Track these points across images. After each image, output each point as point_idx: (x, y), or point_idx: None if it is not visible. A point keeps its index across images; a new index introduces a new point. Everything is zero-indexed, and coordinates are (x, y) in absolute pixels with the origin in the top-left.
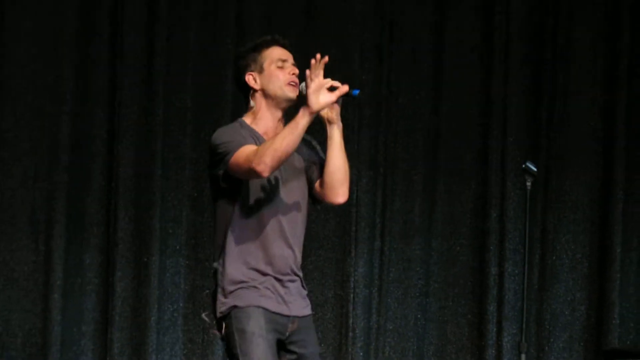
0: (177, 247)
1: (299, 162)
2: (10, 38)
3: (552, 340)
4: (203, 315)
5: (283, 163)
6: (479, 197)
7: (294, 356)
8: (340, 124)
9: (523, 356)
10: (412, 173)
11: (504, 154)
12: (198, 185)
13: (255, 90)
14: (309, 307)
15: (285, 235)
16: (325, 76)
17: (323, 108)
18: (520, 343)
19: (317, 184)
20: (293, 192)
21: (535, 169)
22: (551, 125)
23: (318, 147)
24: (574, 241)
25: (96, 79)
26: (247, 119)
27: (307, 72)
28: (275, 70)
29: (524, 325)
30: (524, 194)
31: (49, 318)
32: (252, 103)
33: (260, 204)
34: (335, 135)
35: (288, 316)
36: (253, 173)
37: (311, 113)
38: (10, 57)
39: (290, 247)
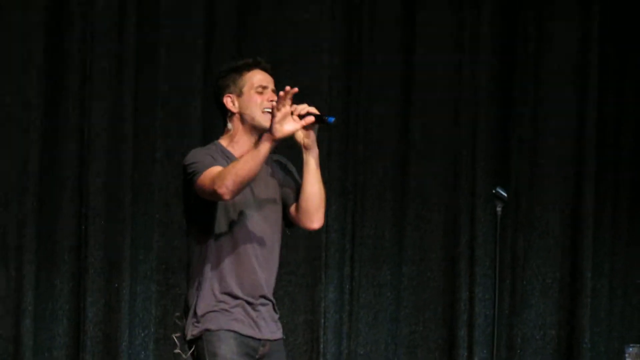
0: (148, 273)
1: (273, 186)
2: None
3: None
4: (173, 335)
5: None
6: (449, 222)
7: None
8: (317, 150)
9: None
10: (382, 199)
11: (474, 179)
12: (168, 212)
13: (232, 113)
14: (280, 331)
15: (259, 260)
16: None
17: (286, 136)
18: None
19: (292, 209)
20: (268, 217)
21: (505, 194)
22: (521, 151)
23: (294, 171)
24: (545, 266)
25: (66, 106)
26: (223, 142)
27: (273, 103)
28: (254, 95)
29: (494, 350)
30: (494, 219)
31: (20, 343)
32: (229, 125)
33: (234, 228)
34: (311, 161)
35: (259, 339)
36: (215, 195)
37: (273, 140)
38: None
39: (264, 271)
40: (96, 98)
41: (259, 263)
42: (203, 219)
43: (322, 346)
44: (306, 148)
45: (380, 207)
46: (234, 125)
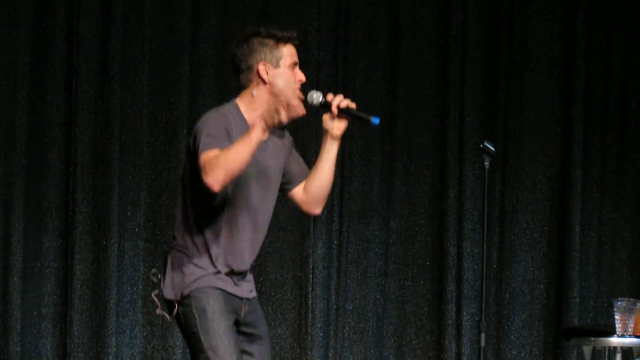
0: (136, 230)
1: (279, 161)
2: None
3: (511, 319)
4: (153, 294)
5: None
6: (437, 177)
7: (246, 337)
8: (340, 141)
9: (483, 335)
10: (370, 154)
11: (462, 134)
12: (156, 169)
13: (263, 82)
14: (254, 290)
15: (250, 233)
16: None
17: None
18: (480, 322)
19: (297, 190)
20: (267, 189)
21: (493, 149)
22: (509, 105)
23: (300, 158)
24: (533, 220)
25: (53, 63)
26: (241, 104)
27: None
28: (289, 72)
29: (483, 305)
30: (482, 174)
31: (8, 301)
32: (254, 92)
33: (231, 197)
34: (334, 150)
35: (242, 298)
36: (204, 183)
37: (264, 131)
38: None
39: (252, 245)
40: (83, 57)
41: (249, 236)
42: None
43: (310, 302)
44: (332, 137)
45: (368, 162)
46: (259, 92)
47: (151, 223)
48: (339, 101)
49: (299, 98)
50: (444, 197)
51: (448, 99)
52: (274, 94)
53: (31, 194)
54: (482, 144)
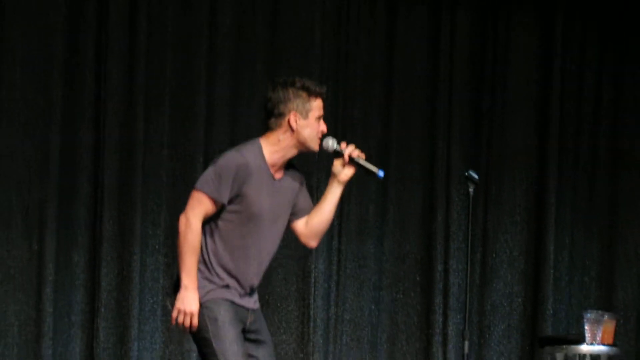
0: (157, 247)
1: (289, 199)
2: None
3: (492, 329)
4: (168, 302)
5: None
6: (427, 201)
7: (252, 343)
8: (344, 186)
9: (466, 343)
10: (367, 180)
11: (449, 164)
12: (174, 192)
13: (291, 130)
14: (258, 302)
15: (257, 264)
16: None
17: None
18: (464, 331)
19: (299, 223)
20: (277, 227)
21: (476, 177)
22: (491, 139)
23: (305, 186)
24: (512, 241)
25: (83, 99)
26: (264, 145)
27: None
28: (315, 123)
29: (467, 316)
30: (466, 199)
31: (42, 309)
32: (280, 137)
33: (245, 233)
34: (338, 192)
35: (248, 309)
36: (181, 214)
37: (182, 291)
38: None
39: (258, 274)
40: (110, 95)
41: (257, 263)
42: (218, 218)
43: (312, 312)
44: (339, 181)
45: (365, 187)
46: (285, 138)
47: (169, 241)
48: (350, 150)
49: (319, 139)
50: (433, 219)
51: (437, 132)
52: (299, 142)
53: (63, 214)
54: (467, 172)
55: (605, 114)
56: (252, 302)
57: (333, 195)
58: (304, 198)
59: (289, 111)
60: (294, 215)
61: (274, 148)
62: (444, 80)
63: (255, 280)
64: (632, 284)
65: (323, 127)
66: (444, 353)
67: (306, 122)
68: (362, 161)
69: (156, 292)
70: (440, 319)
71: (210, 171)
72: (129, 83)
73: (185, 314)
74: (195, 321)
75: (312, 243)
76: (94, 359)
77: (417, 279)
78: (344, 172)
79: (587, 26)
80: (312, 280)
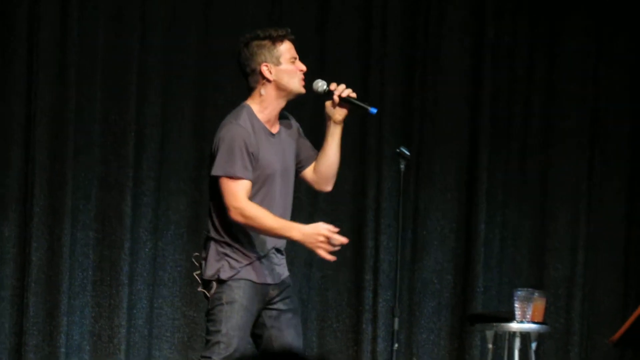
0: (87, 222)
1: (293, 150)
2: None
3: (422, 306)
4: (195, 273)
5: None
6: (358, 178)
7: (274, 312)
8: (342, 125)
9: (396, 320)
10: None
11: (381, 140)
12: (106, 167)
13: (268, 81)
14: (286, 271)
15: (280, 217)
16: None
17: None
18: (394, 308)
19: (308, 171)
20: (288, 179)
21: (408, 153)
22: (423, 115)
23: (307, 141)
24: (443, 218)
25: (14, 73)
26: (253, 106)
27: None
28: (291, 66)
29: (397, 293)
30: (398, 176)
31: None
32: (262, 91)
33: (260, 193)
34: (338, 133)
35: (270, 284)
36: (226, 209)
37: (298, 238)
38: None
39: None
40: (42, 67)
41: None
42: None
43: None
44: (335, 122)
45: None
46: (267, 91)
47: (101, 216)
48: (341, 90)
49: (302, 81)
50: (364, 196)
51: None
52: (280, 88)
53: None
54: (399, 149)
55: (537, 90)
56: (277, 274)
57: (333, 137)
58: (306, 147)
59: (259, 64)
60: (301, 166)
61: (262, 105)
62: (375, 56)
63: (279, 242)
64: (563, 262)
65: (301, 67)
66: (374, 330)
67: (279, 68)
68: (354, 100)
69: (86, 268)
70: (371, 296)
71: (222, 153)
72: (61, 57)
73: (324, 242)
74: (340, 238)
75: (327, 187)
76: (23, 333)
77: (348, 255)
78: (338, 112)
79: None
80: None
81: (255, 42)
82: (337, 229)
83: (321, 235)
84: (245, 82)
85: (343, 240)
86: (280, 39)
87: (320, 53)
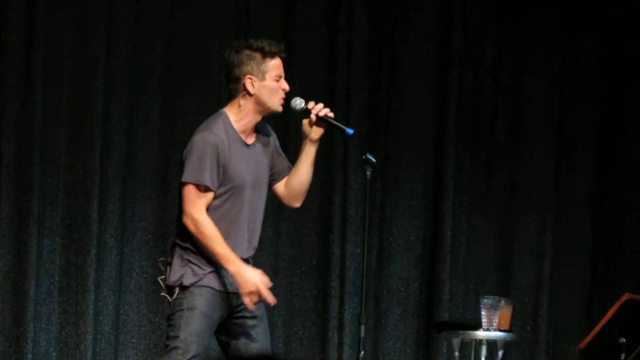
0: (54, 228)
1: (266, 163)
2: None
3: (388, 313)
4: (159, 278)
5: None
6: (324, 184)
7: (240, 320)
8: (317, 144)
9: (362, 327)
10: None
11: (347, 147)
12: (72, 173)
13: (249, 94)
14: None
15: (247, 231)
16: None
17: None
18: (360, 315)
19: (279, 185)
20: (260, 192)
21: (374, 160)
22: (389, 121)
23: (283, 155)
24: (409, 225)
25: None
26: (230, 115)
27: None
28: (274, 84)
29: (363, 300)
30: (364, 183)
31: None
32: (241, 102)
33: (229, 204)
34: (312, 151)
35: (234, 293)
36: (182, 212)
37: (233, 273)
38: None
39: (250, 240)
40: (8, 71)
41: (247, 232)
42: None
43: None
44: (311, 141)
45: None
46: (245, 103)
47: (67, 222)
48: (318, 109)
49: (282, 100)
50: (330, 202)
51: (335, 115)
52: (259, 103)
53: None
54: (365, 155)
55: (504, 97)
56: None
57: (307, 155)
58: (281, 160)
59: (244, 75)
60: (274, 179)
61: (239, 116)
62: (341, 62)
63: (246, 253)
64: (528, 269)
65: (284, 86)
66: (340, 337)
67: (263, 83)
68: (331, 120)
69: (53, 274)
70: (337, 303)
71: (193, 160)
72: (26, 62)
73: (253, 293)
74: (268, 296)
75: (296, 204)
76: None
77: (314, 262)
78: (314, 131)
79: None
80: None
81: (247, 52)
82: (270, 284)
83: (254, 286)
84: (227, 86)
85: (271, 300)
86: (272, 55)
87: (286, 58)
